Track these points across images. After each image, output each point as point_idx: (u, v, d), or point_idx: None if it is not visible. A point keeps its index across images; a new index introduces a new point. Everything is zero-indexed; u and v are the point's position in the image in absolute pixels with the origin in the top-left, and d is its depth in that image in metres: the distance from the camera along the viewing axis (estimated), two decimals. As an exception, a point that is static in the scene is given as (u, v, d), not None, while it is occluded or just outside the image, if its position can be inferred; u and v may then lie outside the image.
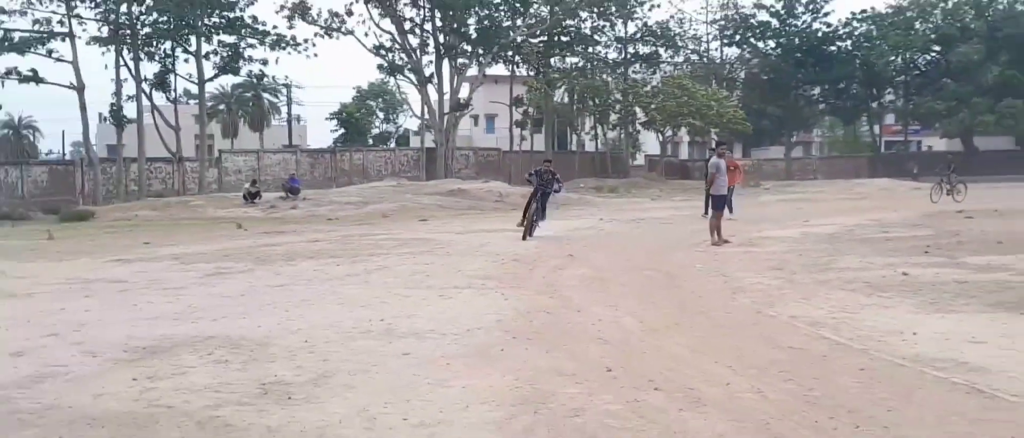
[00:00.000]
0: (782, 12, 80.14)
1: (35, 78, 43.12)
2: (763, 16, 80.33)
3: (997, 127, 77.65)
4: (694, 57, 78.83)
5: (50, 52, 44.55)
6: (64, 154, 68.26)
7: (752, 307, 11.28)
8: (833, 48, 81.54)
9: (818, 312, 10.63)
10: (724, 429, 5.99)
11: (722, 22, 79.96)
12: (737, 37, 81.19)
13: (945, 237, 19.99)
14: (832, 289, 12.56)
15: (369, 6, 53.06)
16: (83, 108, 45.25)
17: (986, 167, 76.08)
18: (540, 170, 22.94)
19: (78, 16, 45.84)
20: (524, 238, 20.90)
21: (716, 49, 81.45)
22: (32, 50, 43.88)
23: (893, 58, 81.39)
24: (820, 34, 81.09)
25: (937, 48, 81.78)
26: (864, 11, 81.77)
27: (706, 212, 25.74)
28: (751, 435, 5.87)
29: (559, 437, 5.86)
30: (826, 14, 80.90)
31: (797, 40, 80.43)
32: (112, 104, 47.28)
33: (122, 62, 46.93)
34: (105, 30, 46.82)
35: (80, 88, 44.50)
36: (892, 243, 19.40)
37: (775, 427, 6.03)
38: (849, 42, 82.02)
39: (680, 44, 75.58)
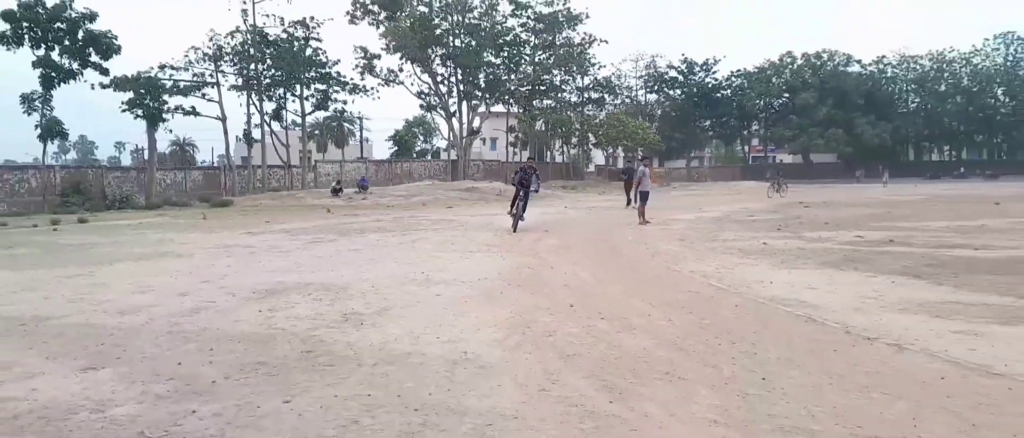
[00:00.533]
0: (685, 71, 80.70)
1: (193, 112, 42.91)
2: (673, 73, 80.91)
3: (825, 148, 78.57)
4: (627, 100, 78.81)
5: (204, 95, 44.39)
6: (213, 162, 68.05)
7: (664, 265, 11.29)
8: (718, 95, 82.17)
9: (708, 268, 10.65)
10: (647, 344, 6.02)
11: (645, 77, 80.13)
12: (655, 87, 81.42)
13: (791, 220, 20.04)
14: (717, 253, 12.60)
15: (414, 66, 52.91)
16: (226, 132, 45.17)
17: (818, 175, 76.84)
18: (524, 167, 19.45)
19: (222, 71, 45.80)
20: (513, 230, 17.67)
21: (642, 95, 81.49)
22: (192, 94, 43.80)
23: (758, 101, 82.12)
24: (710, 85, 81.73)
25: (787, 95, 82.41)
26: (739, 70, 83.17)
27: (628, 203, 25.86)
28: (665, 348, 5.90)
29: (538, 349, 5.88)
30: (714, 72, 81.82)
31: (695, 89, 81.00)
32: (245, 130, 47.38)
33: (252, 101, 47.10)
34: (240, 81, 46.86)
35: (223, 119, 44.39)
36: (756, 223, 19.44)
37: (680, 342, 6.06)
38: (729, 91, 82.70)
39: (618, 92, 75.71)
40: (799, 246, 13.29)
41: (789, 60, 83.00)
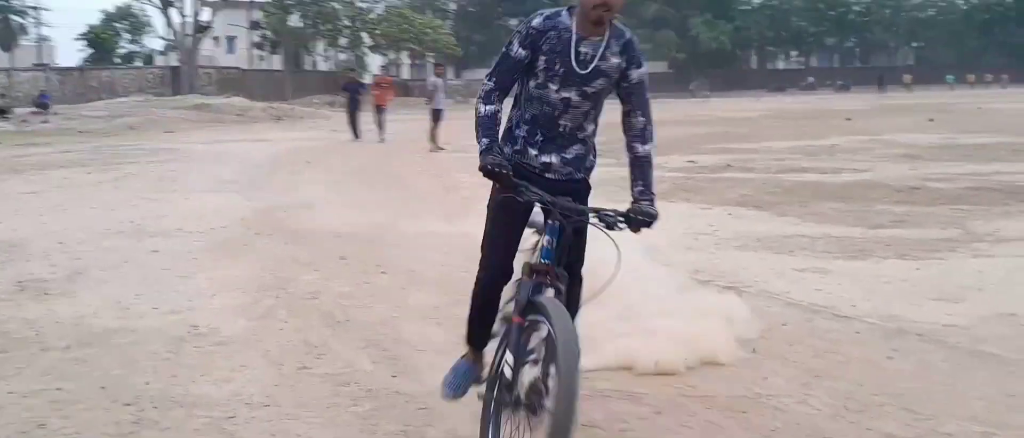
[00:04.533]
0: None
1: None
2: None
3: (654, 55, 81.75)
4: (413, -10, 78.54)
5: None
6: None
7: (462, 202, 11.30)
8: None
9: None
10: (438, 302, 6.12)
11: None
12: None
13: (612, 142, 20.98)
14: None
15: (114, -65, 49.66)
16: None
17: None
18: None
19: None
20: None
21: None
22: None
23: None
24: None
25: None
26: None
27: (356, 136, 24.01)
28: (461, 305, 6.02)
29: (298, 316, 5.82)
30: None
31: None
32: None
33: None
34: None
35: None
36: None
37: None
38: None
39: (399, -24, 75.17)
40: (622, 174, 13.96)
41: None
